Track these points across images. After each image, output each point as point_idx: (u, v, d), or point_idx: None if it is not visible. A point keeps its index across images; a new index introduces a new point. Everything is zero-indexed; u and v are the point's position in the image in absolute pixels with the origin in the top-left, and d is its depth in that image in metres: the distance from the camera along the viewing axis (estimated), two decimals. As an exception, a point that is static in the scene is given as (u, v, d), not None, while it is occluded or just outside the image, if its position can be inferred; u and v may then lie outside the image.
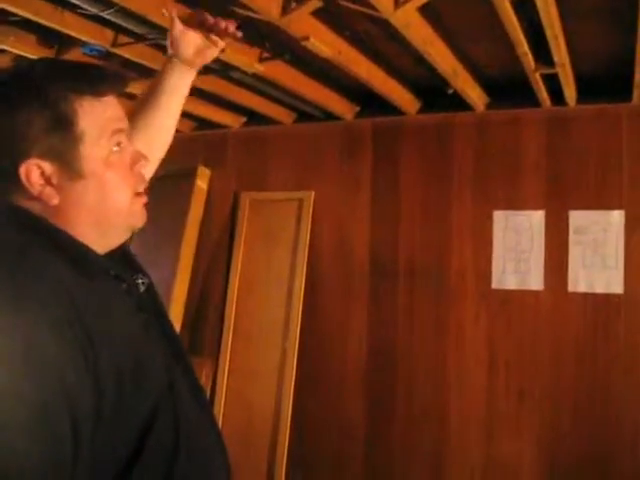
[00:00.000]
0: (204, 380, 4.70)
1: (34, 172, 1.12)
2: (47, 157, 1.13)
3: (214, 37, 1.67)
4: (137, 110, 1.65)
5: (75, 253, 1.14)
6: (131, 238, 1.43)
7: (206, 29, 1.65)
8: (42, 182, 1.13)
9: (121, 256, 1.34)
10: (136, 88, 3.97)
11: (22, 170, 1.11)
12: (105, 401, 1.01)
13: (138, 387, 1.09)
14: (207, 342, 4.88)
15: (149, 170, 1.63)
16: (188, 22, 1.66)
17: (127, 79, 1.28)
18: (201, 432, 1.28)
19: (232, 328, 4.84)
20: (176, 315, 4.66)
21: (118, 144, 1.21)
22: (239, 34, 1.68)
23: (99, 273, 1.16)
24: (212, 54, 1.71)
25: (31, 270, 1.03)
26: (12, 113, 1.12)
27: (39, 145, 1.12)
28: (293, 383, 4.58)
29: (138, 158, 1.26)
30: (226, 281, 4.94)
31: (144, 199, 1.28)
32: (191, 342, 4.83)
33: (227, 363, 4.81)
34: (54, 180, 1.14)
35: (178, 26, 1.65)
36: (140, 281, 1.31)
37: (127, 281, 1.24)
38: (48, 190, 1.14)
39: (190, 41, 1.65)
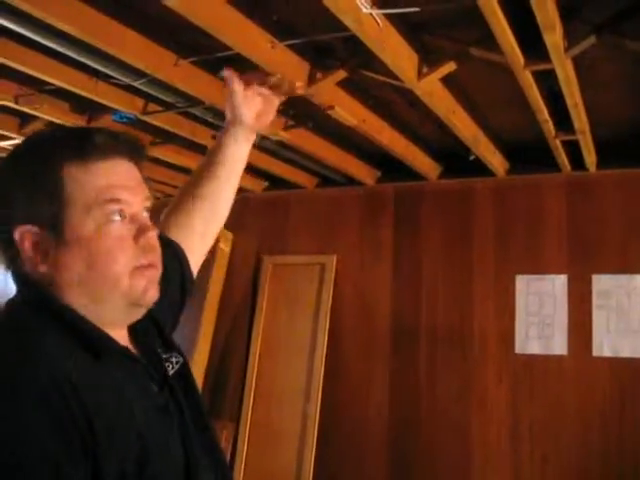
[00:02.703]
0: (224, 443, 4.67)
1: (26, 238, 1.11)
2: (37, 223, 1.11)
3: (270, 96, 1.62)
4: (196, 182, 1.59)
5: (80, 333, 1.09)
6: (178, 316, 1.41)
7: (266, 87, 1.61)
8: (32, 248, 1.11)
9: (156, 333, 1.31)
10: (164, 154, 4.07)
11: (16, 236, 1.11)
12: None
13: (144, 469, 1.05)
14: (228, 405, 4.86)
15: (208, 242, 1.60)
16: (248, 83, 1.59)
17: (135, 146, 1.21)
18: None
19: (253, 391, 4.82)
20: (197, 378, 4.63)
21: (118, 213, 1.14)
22: (300, 90, 1.65)
23: (108, 353, 1.11)
24: (269, 117, 1.65)
25: (28, 352, 1.03)
26: (9, 180, 1.14)
27: (29, 211, 1.11)
28: (314, 447, 4.53)
29: (144, 229, 1.17)
30: (248, 344, 4.93)
31: (154, 273, 1.19)
32: (212, 405, 4.80)
33: (248, 426, 4.78)
34: (43, 246, 1.11)
35: (240, 89, 1.57)
36: (174, 360, 1.28)
37: (142, 363, 1.19)
38: (37, 256, 1.11)
39: (252, 104, 1.59)
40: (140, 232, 1.16)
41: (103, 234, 1.11)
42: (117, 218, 1.13)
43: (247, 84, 1.58)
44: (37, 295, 1.12)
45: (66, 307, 1.11)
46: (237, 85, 1.57)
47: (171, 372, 1.26)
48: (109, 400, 1.05)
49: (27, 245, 1.11)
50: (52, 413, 0.96)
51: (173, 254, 1.47)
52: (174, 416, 1.18)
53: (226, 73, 1.59)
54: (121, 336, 1.19)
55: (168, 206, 1.59)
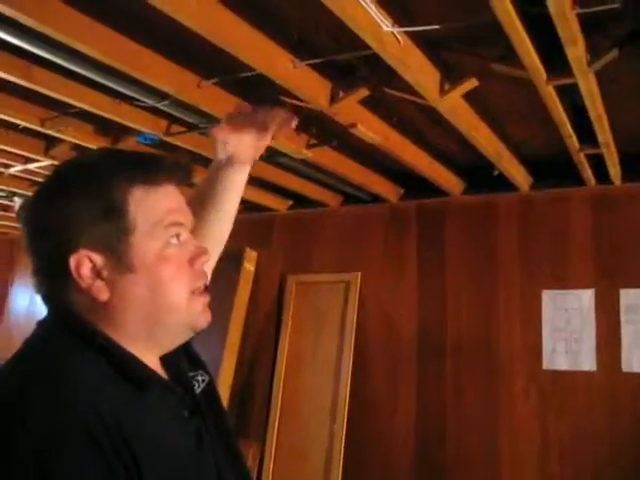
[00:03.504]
0: (251, 462, 4.65)
1: (85, 264, 1.06)
2: (97, 248, 1.06)
3: (262, 122, 1.54)
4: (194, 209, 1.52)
5: (123, 366, 1.06)
6: None
7: (258, 126, 1.54)
8: (92, 275, 1.06)
9: (182, 352, 1.26)
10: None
11: (72, 261, 1.05)
12: None
13: None
14: (254, 424, 4.85)
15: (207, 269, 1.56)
16: (235, 121, 1.53)
17: (188, 170, 1.20)
18: None
19: (279, 410, 4.81)
20: (223, 397, 4.64)
21: (176, 237, 1.12)
22: (294, 122, 1.56)
23: (147, 385, 1.07)
24: (265, 144, 1.58)
25: (69, 384, 0.99)
26: (64, 203, 1.08)
27: (89, 235, 1.06)
28: (341, 466, 4.50)
29: (199, 253, 1.16)
30: (273, 363, 4.93)
31: (206, 298, 1.17)
32: (238, 424, 4.80)
33: (274, 445, 4.76)
34: (104, 273, 1.07)
35: (231, 136, 1.52)
36: (200, 378, 1.26)
37: (177, 392, 1.16)
38: (98, 284, 1.07)
39: (245, 142, 1.53)
40: (196, 256, 1.15)
41: (164, 259, 1.10)
42: (175, 242, 1.12)
43: (233, 124, 1.53)
44: (80, 326, 1.07)
45: (110, 340, 1.08)
46: (222, 134, 1.53)
47: (198, 391, 1.24)
48: (151, 432, 1.03)
49: (85, 271, 1.06)
50: (93, 444, 0.93)
51: None
52: (205, 441, 1.14)
53: (211, 131, 1.56)
54: (154, 362, 1.16)
55: None
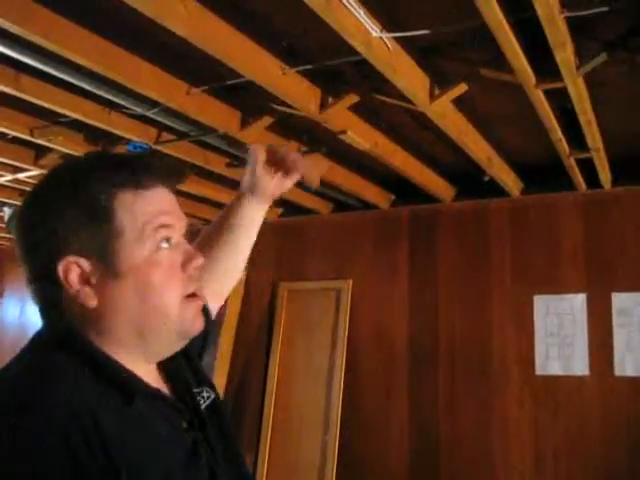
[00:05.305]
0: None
1: (72, 271, 1.04)
2: (85, 254, 1.05)
3: (291, 169, 1.47)
4: (207, 246, 1.48)
5: (110, 376, 1.04)
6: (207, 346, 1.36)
7: (284, 167, 1.48)
8: (80, 282, 1.05)
9: (187, 366, 1.25)
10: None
11: (60, 268, 1.04)
12: None
13: None
14: (246, 434, 4.83)
15: (221, 298, 1.55)
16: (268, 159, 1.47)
17: (178, 172, 1.19)
18: None
19: (271, 420, 4.79)
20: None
21: (166, 240, 1.09)
22: (323, 166, 1.51)
23: (134, 395, 1.04)
24: (288, 185, 1.52)
25: (53, 393, 0.98)
26: (50, 210, 1.07)
27: (76, 242, 1.04)
28: (334, 477, 4.47)
29: (191, 257, 1.12)
30: (265, 372, 4.92)
31: (199, 302, 1.14)
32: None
33: (267, 456, 4.74)
34: (92, 279, 1.05)
35: (261, 167, 1.46)
36: (205, 394, 1.23)
37: (169, 402, 1.13)
38: (86, 290, 1.05)
39: (274, 177, 1.48)
40: (188, 260, 1.12)
41: (154, 263, 1.07)
42: (166, 245, 1.09)
43: (271, 154, 1.48)
44: (70, 335, 1.06)
45: (98, 349, 1.06)
46: (261, 154, 1.47)
47: (203, 406, 1.21)
48: (135, 440, 1.01)
49: (73, 278, 1.04)
50: (72, 454, 0.92)
51: None
52: (203, 454, 1.12)
53: (253, 145, 1.52)
54: (150, 370, 1.15)
55: None
